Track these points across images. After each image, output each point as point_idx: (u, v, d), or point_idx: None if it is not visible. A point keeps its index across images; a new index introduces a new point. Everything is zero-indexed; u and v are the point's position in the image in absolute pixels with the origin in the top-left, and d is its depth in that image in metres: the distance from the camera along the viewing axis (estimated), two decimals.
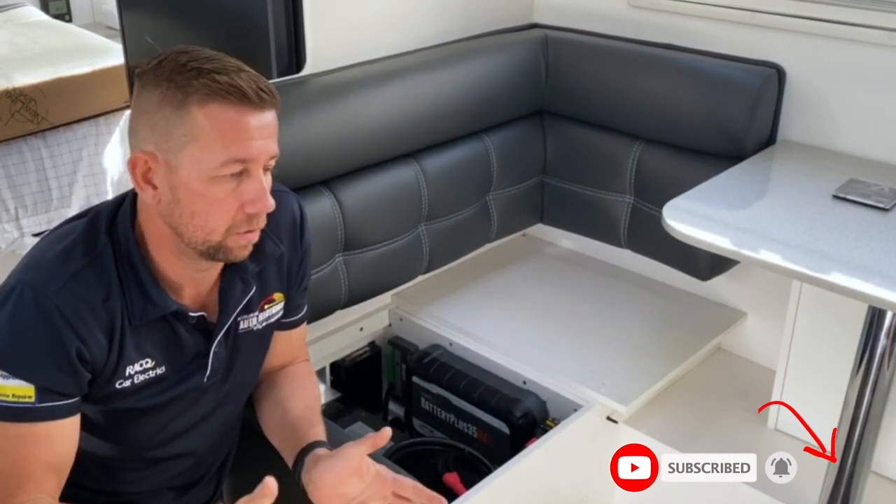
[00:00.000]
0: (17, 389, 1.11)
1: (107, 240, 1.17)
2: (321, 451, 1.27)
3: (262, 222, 1.18)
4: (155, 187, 1.14)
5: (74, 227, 1.19)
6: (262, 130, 1.13)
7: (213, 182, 1.12)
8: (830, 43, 1.82)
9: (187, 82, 1.10)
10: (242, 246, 1.18)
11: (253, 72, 1.14)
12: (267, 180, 1.17)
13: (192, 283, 1.23)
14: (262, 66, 1.73)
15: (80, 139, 2.38)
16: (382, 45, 1.95)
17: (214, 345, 1.27)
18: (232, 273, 1.27)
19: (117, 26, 1.90)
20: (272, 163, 1.18)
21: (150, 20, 1.86)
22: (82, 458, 1.23)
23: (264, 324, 1.35)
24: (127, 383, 1.21)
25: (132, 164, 1.15)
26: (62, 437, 1.16)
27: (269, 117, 1.14)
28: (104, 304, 1.15)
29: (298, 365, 1.49)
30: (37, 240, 1.24)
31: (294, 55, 1.77)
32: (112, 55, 2.45)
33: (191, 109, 1.10)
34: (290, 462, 1.30)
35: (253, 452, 1.44)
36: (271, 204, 1.16)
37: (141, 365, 1.21)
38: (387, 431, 1.22)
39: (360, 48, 1.91)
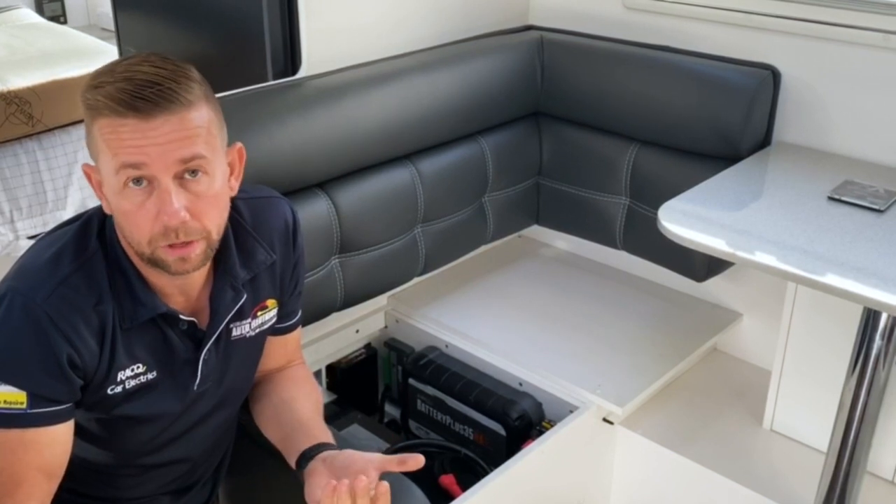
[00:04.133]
0: (9, 395, 1.11)
1: (97, 244, 1.17)
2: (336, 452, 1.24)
3: (190, 235, 1.11)
4: (107, 199, 1.15)
5: (65, 231, 1.19)
6: (153, 136, 1.06)
7: (121, 195, 1.10)
8: (825, 44, 1.83)
9: (85, 99, 1.10)
10: (177, 260, 1.12)
11: (149, 75, 1.07)
12: (203, 187, 1.11)
13: (176, 289, 1.22)
14: (257, 68, 1.74)
15: (75, 141, 2.37)
16: (378, 48, 1.95)
17: (204, 352, 1.26)
18: (222, 280, 1.26)
19: (112, 28, 1.90)
20: (195, 164, 1.09)
21: (145, 23, 1.87)
22: (77, 464, 1.23)
23: (257, 330, 1.34)
24: (118, 389, 1.20)
25: (87, 176, 1.16)
26: (54, 443, 1.16)
27: (164, 121, 1.07)
28: (95, 308, 1.15)
29: (298, 368, 1.48)
30: (32, 243, 1.24)
31: (290, 58, 1.77)
32: (107, 57, 2.44)
33: (91, 125, 1.10)
34: (291, 456, 1.27)
35: (248, 456, 1.44)
36: (178, 217, 1.09)
37: (132, 370, 1.21)
38: (419, 459, 1.18)
39: (355, 50, 1.91)
